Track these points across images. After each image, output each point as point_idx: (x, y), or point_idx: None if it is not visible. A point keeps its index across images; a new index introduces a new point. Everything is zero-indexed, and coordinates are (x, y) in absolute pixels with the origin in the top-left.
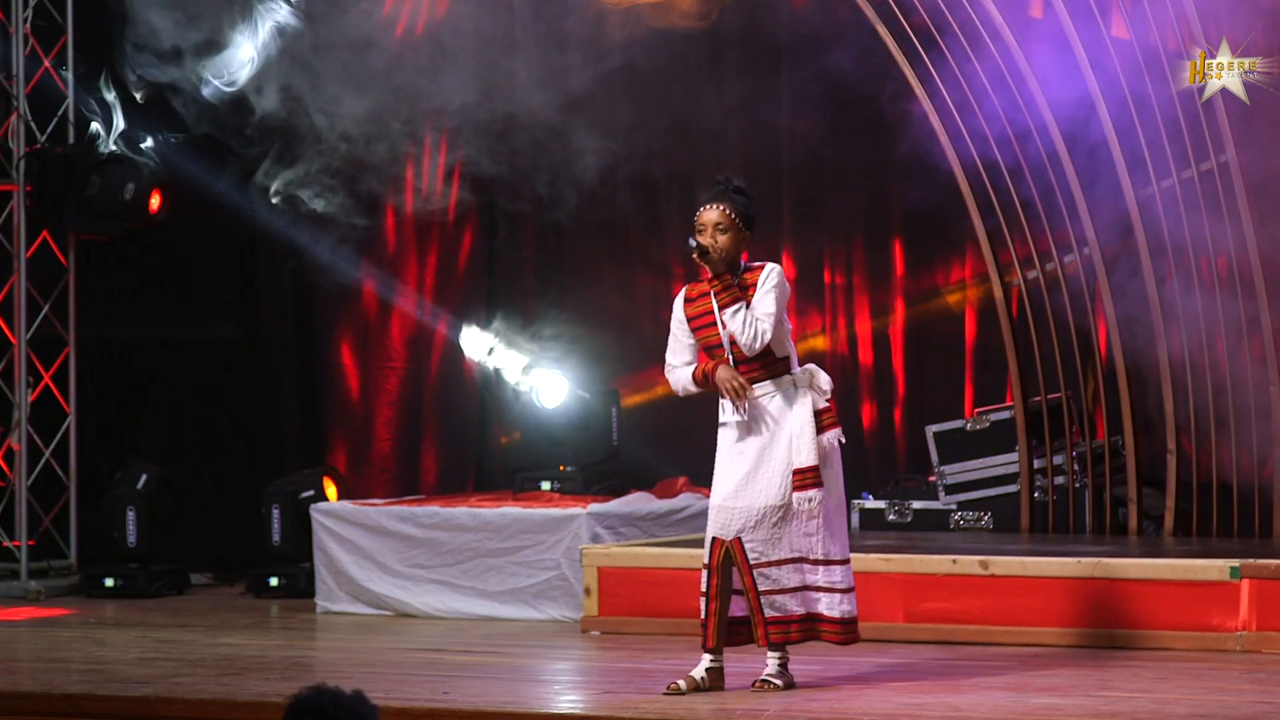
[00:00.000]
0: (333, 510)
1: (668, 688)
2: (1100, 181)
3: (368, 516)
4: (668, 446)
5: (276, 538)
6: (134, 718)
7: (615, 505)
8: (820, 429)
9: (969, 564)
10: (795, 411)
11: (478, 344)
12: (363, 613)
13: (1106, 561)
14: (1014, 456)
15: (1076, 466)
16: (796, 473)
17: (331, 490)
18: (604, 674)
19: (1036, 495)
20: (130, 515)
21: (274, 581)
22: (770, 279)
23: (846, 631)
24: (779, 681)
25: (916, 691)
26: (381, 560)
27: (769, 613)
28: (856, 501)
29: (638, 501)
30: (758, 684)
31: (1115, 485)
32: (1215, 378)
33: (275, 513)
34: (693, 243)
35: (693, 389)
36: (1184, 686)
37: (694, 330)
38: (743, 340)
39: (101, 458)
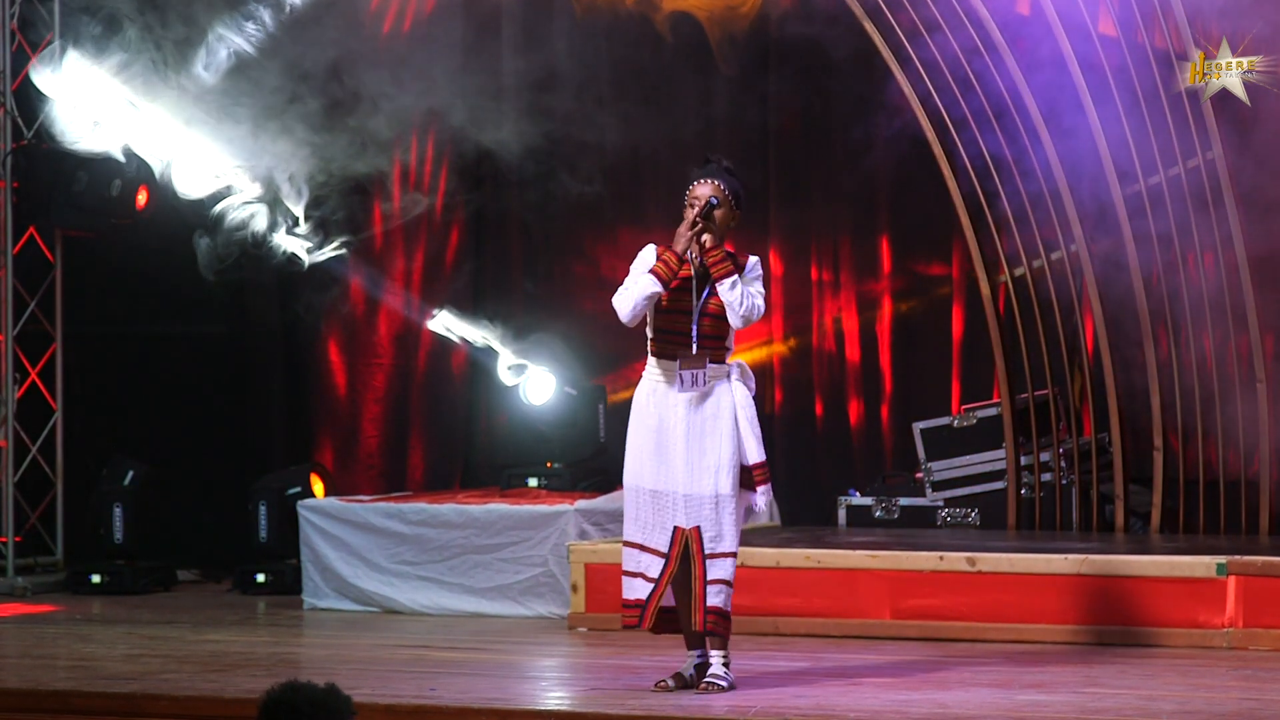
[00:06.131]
0: (319, 507)
1: (655, 684)
2: (1087, 178)
3: (354, 513)
4: None
5: (263, 534)
6: (121, 714)
7: (602, 501)
8: None
9: (956, 561)
10: (740, 403)
11: (449, 326)
12: (349, 609)
13: (1093, 558)
14: (1001, 453)
15: (1063, 463)
16: (756, 468)
17: (318, 487)
18: (591, 670)
19: (1023, 492)
20: (117, 512)
21: (261, 578)
22: (759, 270)
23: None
24: (724, 683)
25: (903, 688)
26: (368, 557)
27: (712, 601)
28: (844, 498)
29: None
30: (703, 685)
31: (1102, 482)
32: (1202, 374)
33: (262, 509)
34: (714, 200)
35: (656, 289)
36: (1171, 683)
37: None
38: (739, 310)
39: (88, 454)
